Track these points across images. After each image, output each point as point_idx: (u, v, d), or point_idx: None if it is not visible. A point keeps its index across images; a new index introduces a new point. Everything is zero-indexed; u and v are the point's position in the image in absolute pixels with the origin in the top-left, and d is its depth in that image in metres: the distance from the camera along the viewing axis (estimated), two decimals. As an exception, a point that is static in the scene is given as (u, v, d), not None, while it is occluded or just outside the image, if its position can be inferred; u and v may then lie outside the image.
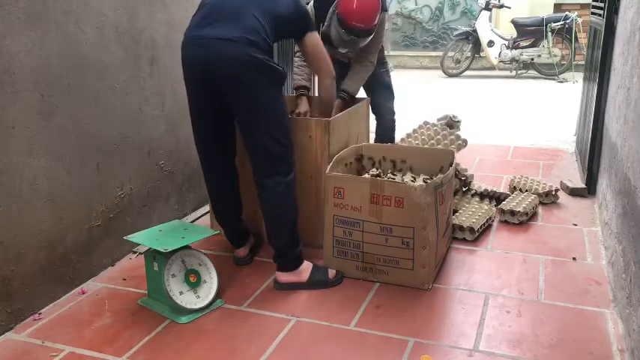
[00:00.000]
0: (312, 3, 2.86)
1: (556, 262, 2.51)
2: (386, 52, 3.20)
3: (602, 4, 3.30)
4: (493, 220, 2.96)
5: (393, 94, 3.30)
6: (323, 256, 2.42)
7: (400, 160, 2.78)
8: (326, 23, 2.73)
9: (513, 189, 3.33)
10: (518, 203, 2.99)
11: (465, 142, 3.28)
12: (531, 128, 5.14)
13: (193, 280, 2.13)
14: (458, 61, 8.62)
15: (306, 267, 2.31)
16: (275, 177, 2.20)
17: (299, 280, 2.28)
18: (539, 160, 4.11)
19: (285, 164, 2.22)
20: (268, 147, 2.17)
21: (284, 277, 2.28)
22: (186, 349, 1.92)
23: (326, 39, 2.76)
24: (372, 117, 3.19)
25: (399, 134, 3.36)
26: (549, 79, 8.09)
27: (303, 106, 2.86)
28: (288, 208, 2.24)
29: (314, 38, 2.36)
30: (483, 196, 3.16)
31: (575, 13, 7.94)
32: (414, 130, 3.44)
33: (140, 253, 2.56)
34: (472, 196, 3.17)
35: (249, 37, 2.05)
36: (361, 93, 3.23)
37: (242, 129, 2.23)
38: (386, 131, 3.26)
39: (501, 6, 8.35)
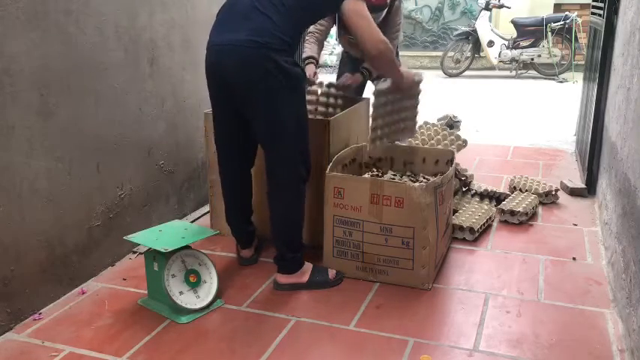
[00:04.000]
0: None
1: (556, 262, 2.51)
2: (400, 40, 3.23)
3: (602, 4, 3.30)
4: (493, 220, 2.96)
5: None
6: (323, 256, 2.42)
7: (400, 160, 2.78)
8: None
9: (513, 189, 3.33)
10: (518, 203, 2.99)
11: (465, 142, 3.28)
12: (531, 128, 5.14)
13: (193, 280, 2.13)
14: (458, 61, 8.62)
15: (307, 268, 2.31)
16: (289, 184, 2.17)
17: (299, 281, 2.28)
18: (539, 160, 4.11)
19: (299, 171, 2.17)
20: (283, 155, 2.13)
21: (284, 278, 2.28)
22: (186, 349, 1.92)
23: (340, 21, 2.74)
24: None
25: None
26: (549, 79, 8.09)
27: (310, 69, 2.82)
28: (297, 214, 2.23)
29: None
30: (483, 196, 3.16)
31: (575, 13, 7.94)
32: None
33: (140, 253, 2.56)
34: (472, 196, 3.17)
35: (256, 39, 1.95)
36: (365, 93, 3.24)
37: (256, 135, 2.17)
38: None
39: (501, 6, 8.35)
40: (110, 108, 2.44)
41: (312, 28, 2.96)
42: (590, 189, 3.32)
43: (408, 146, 2.94)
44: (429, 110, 3.28)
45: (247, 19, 1.99)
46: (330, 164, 2.40)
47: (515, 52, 8.25)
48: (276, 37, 1.97)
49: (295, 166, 2.16)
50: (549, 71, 8.12)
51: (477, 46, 8.47)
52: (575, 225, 2.92)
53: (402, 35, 3.19)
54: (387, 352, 1.89)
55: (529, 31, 8.19)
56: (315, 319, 2.08)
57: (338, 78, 3.31)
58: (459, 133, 3.34)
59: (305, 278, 2.29)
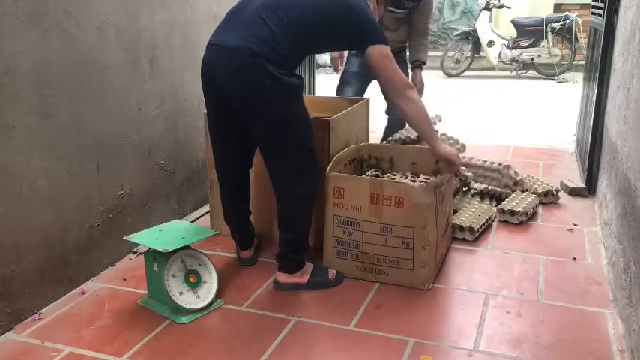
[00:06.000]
0: None
1: (556, 262, 2.51)
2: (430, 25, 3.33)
3: (602, 4, 3.30)
4: (493, 220, 2.96)
5: None
6: (323, 256, 2.42)
7: (400, 160, 2.78)
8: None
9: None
10: (518, 203, 2.99)
11: (464, 146, 3.27)
12: (531, 128, 5.14)
13: (193, 280, 2.13)
14: (458, 61, 8.62)
15: (307, 268, 2.31)
16: (295, 186, 2.14)
17: (299, 281, 2.28)
18: (539, 160, 4.11)
19: (304, 173, 2.14)
20: (283, 159, 2.11)
21: (284, 277, 2.28)
22: (186, 349, 1.92)
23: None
24: (372, 117, 3.18)
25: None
26: (549, 79, 8.09)
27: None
28: (304, 216, 2.22)
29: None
30: (483, 196, 3.16)
31: (575, 13, 7.94)
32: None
33: (140, 253, 2.56)
34: (472, 196, 3.17)
35: (252, 47, 1.93)
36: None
37: (255, 140, 2.17)
38: (394, 131, 3.29)
39: (501, 6, 8.35)
40: (110, 108, 2.44)
41: None
42: (590, 189, 3.32)
43: (409, 146, 2.94)
44: (429, 111, 3.29)
45: (249, 26, 1.98)
46: (330, 164, 2.40)
47: (515, 52, 8.25)
48: (272, 49, 1.95)
49: (297, 169, 2.13)
50: (549, 71, 8.12)
51: (476, 46, 8.48)
52: (575, 225, 2.92)
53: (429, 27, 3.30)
54: (387, 352, 1.89)
55: (529, 31, 8.19)
56: (315, 319, 2.08)
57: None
58: (457, 138, 3.33)
59: (305, 278, 2.29)
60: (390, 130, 3.39)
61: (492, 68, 8.70)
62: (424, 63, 3.33)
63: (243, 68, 1.97)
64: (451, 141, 3.26)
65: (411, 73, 3.32)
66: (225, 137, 2.24)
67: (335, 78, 3.69)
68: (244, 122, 2.11)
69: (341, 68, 3.07)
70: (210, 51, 2.08)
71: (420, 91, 3.21)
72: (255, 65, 1.95)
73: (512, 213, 2.93)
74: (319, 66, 8.91)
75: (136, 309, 2.18)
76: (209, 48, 2.09)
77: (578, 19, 7.80)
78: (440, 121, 3.28)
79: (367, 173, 2.73)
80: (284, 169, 2.14)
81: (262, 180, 2.49)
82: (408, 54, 3.43)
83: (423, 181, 2.57)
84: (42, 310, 2.15)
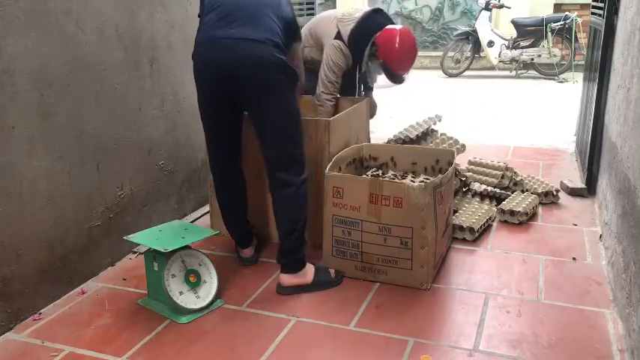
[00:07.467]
0: (339, 43, 2.82)
1: (556, 262, 2.52)
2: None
3: (602, 4, 3.30)
4: (493, 220, 2.96)
5: None
6: (322, 255, 2.42)
7: (400, 160, 2.78)
8: (364, 68, 2.85)
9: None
10: (518, 203, 2.99)
11: (464, 146, 3.27)
12: (531, 128, 5.14)
13: (193, 280, 2.13)
14: (458, 61, 8.61)
15: (309, 269, 2.31)
16: (290, 176, 2.20)
17: (304, 282, 2.28)
18: (539, 160, 4.11)
19: (299, 164, 2.23)
20: (285, 147, 2.20)
21: (289, 279, 2.27)
22: (186, 349, 1.92)
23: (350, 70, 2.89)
24: (380, 117, 3.16)
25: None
26: (549, 79, 8.09)
27: None
28: (301, 207, 2.25)
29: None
30: (483, 196, 3.16)
31: (575, 13, 7.93)
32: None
33: (140, 253, 2.56)
34: (472, 196, 3.16)
35: (272, 39, 2.09)
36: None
37: (260, 129, 2.21)
38: None
39: (501, 6, 8.34)
40: (110, 108, 2.44)
41: (331, 88, 2.84)
42: (590, 189, 3.32)
43: (409, 146, 2.94)
44: (428, 110, 3.28)
45: (258, 20, 2.11)
46: (330, 164, 2.40)
47: (516, 52, 8.24)
48: (281, 41, 2.13)
49: (293, 157, 2.22)
50: (549, 71, 8.11)
51: (477, 46, 8.46)
52: (575, 225, 2.92)
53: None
54: (387, 352, 1.89)
55: (529, 31, 8.17)
56: (315, 319, 2.08)
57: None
58: (457, 138, 3.33)
59: (309, 279, 2.28)
60: None
61: (492, 68, 8.69)
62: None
63: (266, 58, 2.08)
64: (451, 141, 3.26)
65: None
66: (218, 131, 2.29)
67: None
68: (251, 112, 2.20)
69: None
70: (222, 45, 2.09)
71: (373, 113, 3.21)
72: (275, 55, 2.08)
73: (512, 213, 2.93)
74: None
75: (136, 309, 2.18)
76: (218, 42, 2.10)
77: (578, 19, 7.78)
78: (440, 120, 3.28)
79: (367, 173, 2.74)
80: (282, 156, 2.21)
81: (260, 181, 2.49)
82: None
83: (422, 181, 2.57)
84: (42, 310, 2.15)
